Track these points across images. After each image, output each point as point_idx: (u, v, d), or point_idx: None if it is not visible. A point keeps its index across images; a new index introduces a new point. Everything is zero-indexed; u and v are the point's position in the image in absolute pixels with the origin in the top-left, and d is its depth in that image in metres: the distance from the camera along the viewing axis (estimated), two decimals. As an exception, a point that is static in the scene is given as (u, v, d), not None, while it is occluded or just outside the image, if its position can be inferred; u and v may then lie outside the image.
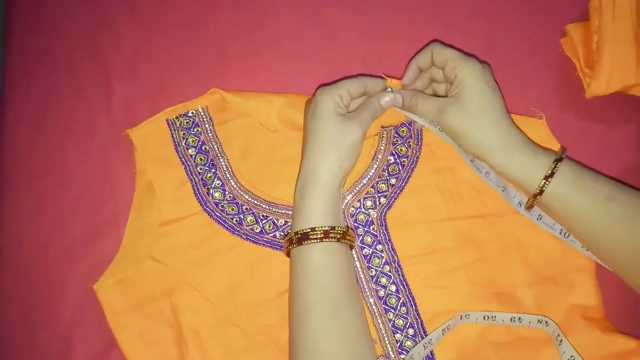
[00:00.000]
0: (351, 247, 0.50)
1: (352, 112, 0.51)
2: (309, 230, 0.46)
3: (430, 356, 0.53)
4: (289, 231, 0.49)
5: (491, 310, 0.53)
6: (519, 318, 0.52)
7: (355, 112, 0.51)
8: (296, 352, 0.46)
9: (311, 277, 0.46)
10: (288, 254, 0.49)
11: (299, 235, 0.46)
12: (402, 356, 0.52)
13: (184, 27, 0.62)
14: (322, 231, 0.46)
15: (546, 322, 0.52)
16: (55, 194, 0.59)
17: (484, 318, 0.53)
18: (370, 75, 0.54)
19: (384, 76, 0.55)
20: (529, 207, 0.50)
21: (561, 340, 0.50)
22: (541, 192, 0.47)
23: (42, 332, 0.56)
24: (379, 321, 0.54)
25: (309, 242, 0.46)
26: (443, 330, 0.52)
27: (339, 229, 0.47)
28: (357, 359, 0.45)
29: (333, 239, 0.46)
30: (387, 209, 0.57)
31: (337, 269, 0.47)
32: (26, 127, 0.61)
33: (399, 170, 0.57)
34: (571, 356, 0.49)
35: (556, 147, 0.55)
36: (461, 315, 0.53)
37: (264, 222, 0.56)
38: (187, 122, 0.58)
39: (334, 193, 0.49)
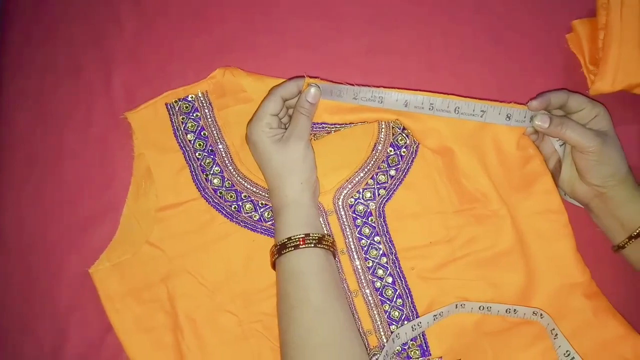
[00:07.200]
0: (334, 255, 0.52)
1: (288, 128, 0.52)
2: (286, 240, 0.50)
3: (424, 347, 0.53)
4: (271, 246, 0.52)
5: (487, 301, 0.53)
6: (514, 309, 0.53)
7: (290, 126, 0.52)
8: (286, 348, 0.47)
9: (294, 281, 0.49)
10: (274, 267, 0.51)
11: (278, 246, 0.50)
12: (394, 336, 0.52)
13: (186, 14, 0.62)
14: (297, 239, 0.50)
15: (541, 314, 0.52)
16: (54, 178, 0.59)
17: (480, 308, 0.53)
18: (321, 79, 0.53)
19: (305, 76, 0.53)
20: (620, 248, 0.54)
21: (556, 334, 0.50)
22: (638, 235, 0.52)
23: (38, 317, 0.56)
24: (375, 312, 0.54)
25: (287, 250, 0.49)
26: (435, 316, 0.53)
27: (314, 234, 0.50)
28: (344, 350, 0.47)
29: (309, 245, 0.50)
30: (386, 201, 0.56)
31: (317, 272, 0.49)
32: (25, 112, 0.60)
33: (399, 162, 0.57)
34: (566, 351, 0.49)
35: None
36: (456, 304, 0.53)
37: (262, 210, 0.56)
38: (186, 107, 0.57)
39: (307, 205, 0.52)
